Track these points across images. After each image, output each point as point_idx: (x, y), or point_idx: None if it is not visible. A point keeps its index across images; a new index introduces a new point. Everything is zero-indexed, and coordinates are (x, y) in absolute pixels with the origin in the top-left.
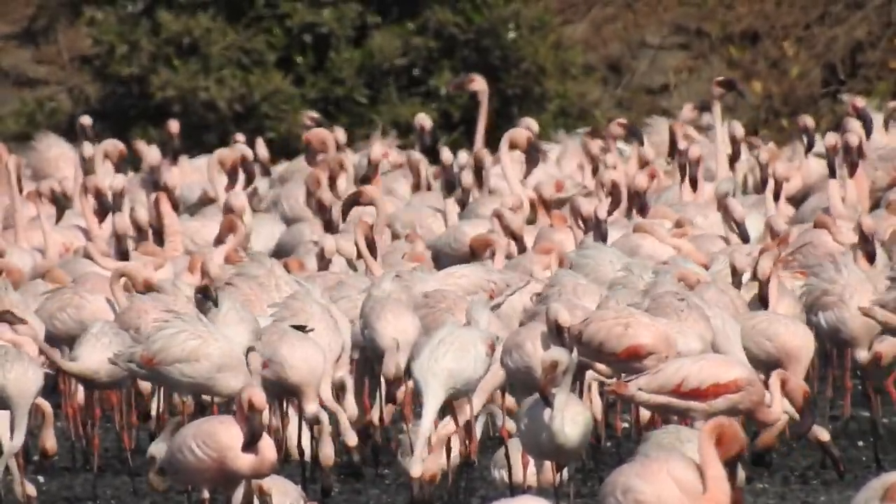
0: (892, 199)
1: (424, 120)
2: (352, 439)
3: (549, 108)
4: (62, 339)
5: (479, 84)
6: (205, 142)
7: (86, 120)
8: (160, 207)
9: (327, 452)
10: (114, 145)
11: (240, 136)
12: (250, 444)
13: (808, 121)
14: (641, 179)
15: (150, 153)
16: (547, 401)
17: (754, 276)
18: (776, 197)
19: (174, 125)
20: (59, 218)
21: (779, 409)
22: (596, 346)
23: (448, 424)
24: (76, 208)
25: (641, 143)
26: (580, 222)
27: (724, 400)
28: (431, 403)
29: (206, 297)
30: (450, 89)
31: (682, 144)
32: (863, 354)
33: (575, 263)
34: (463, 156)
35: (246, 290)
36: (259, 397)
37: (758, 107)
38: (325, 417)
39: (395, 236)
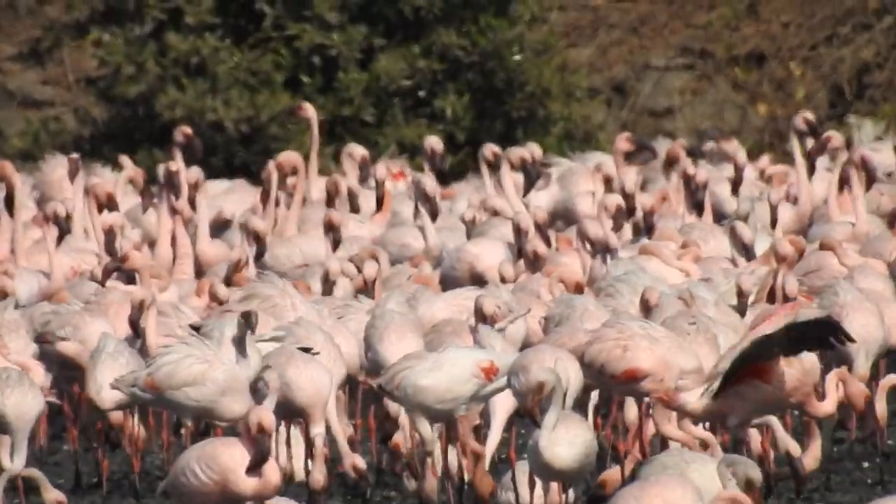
0: None
1: (435, 143)
2: (360, 463)
3: (554, 130)
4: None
5: (308, 111)
6: (211, 164)
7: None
8: (175, 231)
9: (317, 477)
10: (136, 172)
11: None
12: (256, 467)
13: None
14: (647, 200)
15: (161, 174)
16: (534, 421)
17: (771, 298)
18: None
19: (187, 128)
20: (59, 240)
21: (832, 406)
22: (597, 368)
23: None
24: (79, 231)
25: (655, 155)
26: (587, 245)
27: (776, 385)
28: (417, 421)
29: (247, 325)
30: (284, 118)
31: (690, 169)
32: (861, 370)
33: (609, 288)
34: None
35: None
36: (268, 419)
37: (763, 129)
38: (320, 442)
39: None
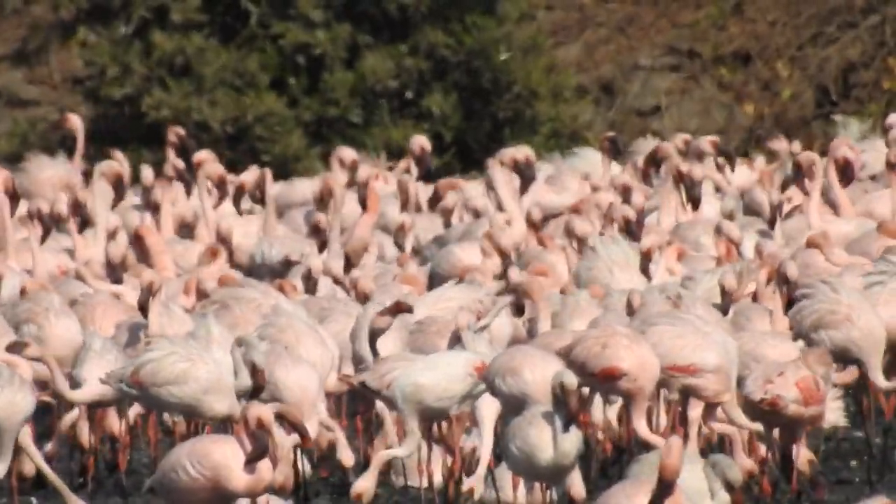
0: (885, 222)
1: (423, 142)
2: (348, 459)
3: (542, 130)
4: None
5: (73, 122)
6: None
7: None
8: (144, 237)
9: (276, 478)
10: (109, 166)
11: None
12: (253, 462)
13: (795, 148)
14: (638, 199)
15: (144, 174)
16: (573, 424)
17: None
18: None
19: (179, 129)
20: (44, 238)
21: None
22: (579, 366)
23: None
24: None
25: (620, 153)
26: (574, 243)
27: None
28: (408, 419)
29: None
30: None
31: (684, 167)
32: (880, 378)
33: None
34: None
35: (236, 313)
36: (268, 415)
37: (750, 129)
38: (288, 443)
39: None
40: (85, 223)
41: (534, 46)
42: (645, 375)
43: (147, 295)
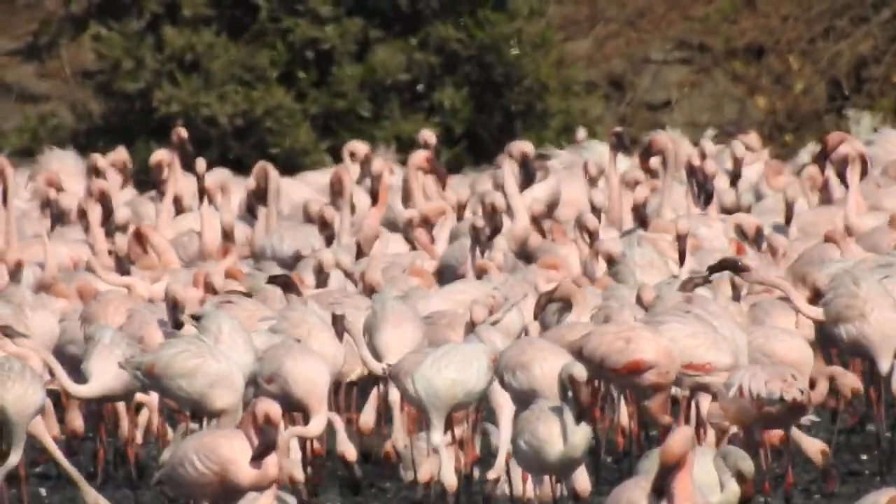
0: (894, 215)
1: (429, 136)
2: (351, 453)
3: (552, 124)
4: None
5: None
6: (206, 157)
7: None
8: (147, 236)
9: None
10: (119, 154)
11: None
12: (261, 457)
13: (816, 148)
14: (641, 192)
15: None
16: (585, 417)
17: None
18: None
19: (182, 130)
20: (52, 228)
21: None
22: (597, 362)
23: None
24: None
25: (626, 148)
26: (585, 236)
27: None
28: (436, 414)
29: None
30: None
31: (696, 161)
32: (885, 366)
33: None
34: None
35: (247, 306)
36: (275, 411)
37: (762, 122)
38: (287, 435)
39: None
40: (109, 214)
41: (544, 41)
42: (672, 366)
43: (179, 314)
